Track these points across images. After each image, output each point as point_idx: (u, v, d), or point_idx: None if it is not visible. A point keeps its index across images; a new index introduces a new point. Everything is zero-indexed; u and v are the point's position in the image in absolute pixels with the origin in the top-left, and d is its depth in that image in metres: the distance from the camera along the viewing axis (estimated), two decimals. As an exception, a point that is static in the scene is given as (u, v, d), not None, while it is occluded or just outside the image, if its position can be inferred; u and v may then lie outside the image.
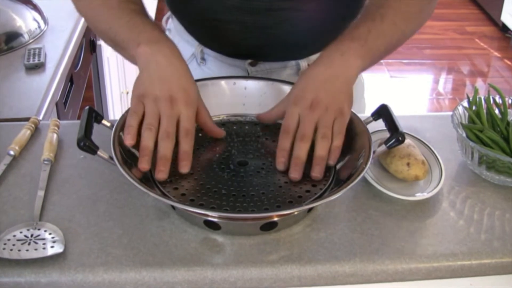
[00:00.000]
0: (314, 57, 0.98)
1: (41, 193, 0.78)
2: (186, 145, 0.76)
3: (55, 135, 0.88)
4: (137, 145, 0.75)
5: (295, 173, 0.76)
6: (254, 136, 0.87)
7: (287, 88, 0.90)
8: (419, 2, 0.88)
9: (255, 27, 0.91)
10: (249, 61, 0.99)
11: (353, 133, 0.82)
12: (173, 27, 1.07)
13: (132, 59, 0.82)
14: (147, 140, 0.74)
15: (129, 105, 0.78)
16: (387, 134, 0.79)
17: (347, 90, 0.80)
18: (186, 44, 1.03)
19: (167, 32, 1.10)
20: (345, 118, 0.79)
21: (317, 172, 0.76)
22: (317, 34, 0.89)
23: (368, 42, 0.82)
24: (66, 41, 1.41)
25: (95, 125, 0.79)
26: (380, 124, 0.83)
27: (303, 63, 1.00)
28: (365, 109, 1.16)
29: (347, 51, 0.81)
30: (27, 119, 0.93)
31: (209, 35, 0.98)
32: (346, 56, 0.80)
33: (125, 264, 0.69)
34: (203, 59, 1.02)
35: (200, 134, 0.86)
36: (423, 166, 0.81)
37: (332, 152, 0.77)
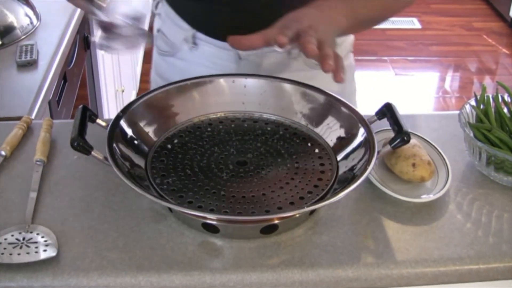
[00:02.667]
0: None
1: (33, 195, 0.78)
2: None
3: (47, 135, 0.88)
4: None
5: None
6: (254, 134, 0.87)
7: (288, 87, 0.90)
8: None
9: (247, 10, 0.94)
10: None
11: (357, 132, 0.82)
12: (163, 11, 1.09)
13: None
14: None
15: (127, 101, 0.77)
16: (391, 134, 0.79)
17: (335, 35, 0.83)
18: (177, 29, 1.05)
19: (156, 17, 1.13)
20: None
21: (330, 63, 0.74)
22: None
23: (353, 4, 0.86)
24: (59, 38, 1.41)
25: (89, 125, 0.79)
26: (384, 123, 0.83)
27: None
28: (356, 92, 1.17)
29: (334, 7, 0.84)
30: (19, 118, 0.93)
31: (201, 18, 1.01)
32: (334, 12, 0.84)
33: (121, 268, 0.69)
34: (194, 43, 1.04)
35: (197, 133, 0.86)
36: (429, 167, 0.81)
37: (338, 66, 0.76)
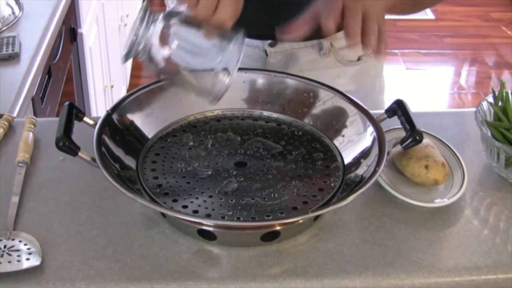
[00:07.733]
0: (339, 34, 1.00)
1: (15, 199, 0.78)
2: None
3: (31, 134, 0.89)
4: None
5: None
6: (253, 134, 0.87)
7: (291, 82, 0.90)
8: None
9: (278, 4, 0.96)
10: (269, 41, 1.02)
11: (365, 131, 0.82)
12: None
13: None
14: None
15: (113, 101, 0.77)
16: (402, 133, 0.79)
17: (383, 10, 0.84)
18: None
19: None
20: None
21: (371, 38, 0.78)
22: None
23: None
24: (44, 29, 1.41)
25: (76, 123, 0.79)
26: (395, 122, 0.83)
27: (326, 42, 1.03)
28: (384, 107, 1.19)
29: None
30: (-1, 116, 0.93)
31: None
32: None
33: (110, 278, 0.69)
34: None
35: (193, 132, 0.86)
36: (443, 168, 0.81)
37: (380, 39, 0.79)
